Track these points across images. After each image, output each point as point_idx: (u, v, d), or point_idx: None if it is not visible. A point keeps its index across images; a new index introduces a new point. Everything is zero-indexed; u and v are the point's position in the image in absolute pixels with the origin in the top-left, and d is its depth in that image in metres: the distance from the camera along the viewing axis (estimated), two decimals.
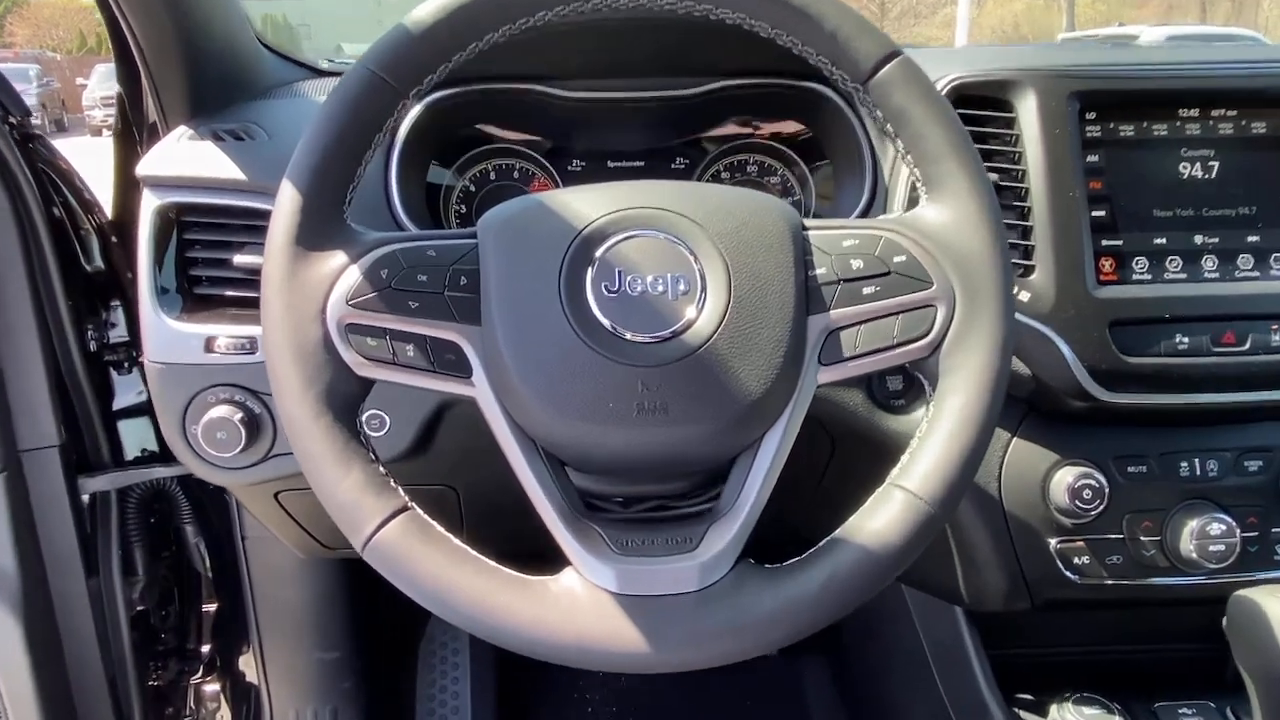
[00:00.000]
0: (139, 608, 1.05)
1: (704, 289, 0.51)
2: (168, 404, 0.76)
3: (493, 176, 0.90)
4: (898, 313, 0.52)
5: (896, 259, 0.53)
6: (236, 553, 1.10)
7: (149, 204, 0.77)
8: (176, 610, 1.16)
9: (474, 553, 0.49)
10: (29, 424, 0.89)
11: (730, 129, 0.90)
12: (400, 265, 0.52)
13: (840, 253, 0.53)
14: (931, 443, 0.52)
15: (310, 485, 0.50)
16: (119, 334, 0.97)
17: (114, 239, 1.01)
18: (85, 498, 0.98)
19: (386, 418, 0.78)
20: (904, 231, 0.54)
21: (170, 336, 0.75)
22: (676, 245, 0.52)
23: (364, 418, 0.55)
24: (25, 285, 0.87)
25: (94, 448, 0.97)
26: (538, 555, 0.53)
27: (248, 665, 1.23)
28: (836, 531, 0.51)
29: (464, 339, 0.51)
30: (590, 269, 0.51)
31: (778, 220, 0.53)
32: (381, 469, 0.50)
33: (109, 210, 1.02)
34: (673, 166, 0.91)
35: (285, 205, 0.51)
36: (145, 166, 0.77)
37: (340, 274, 0.51)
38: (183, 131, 0.82)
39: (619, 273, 0.51)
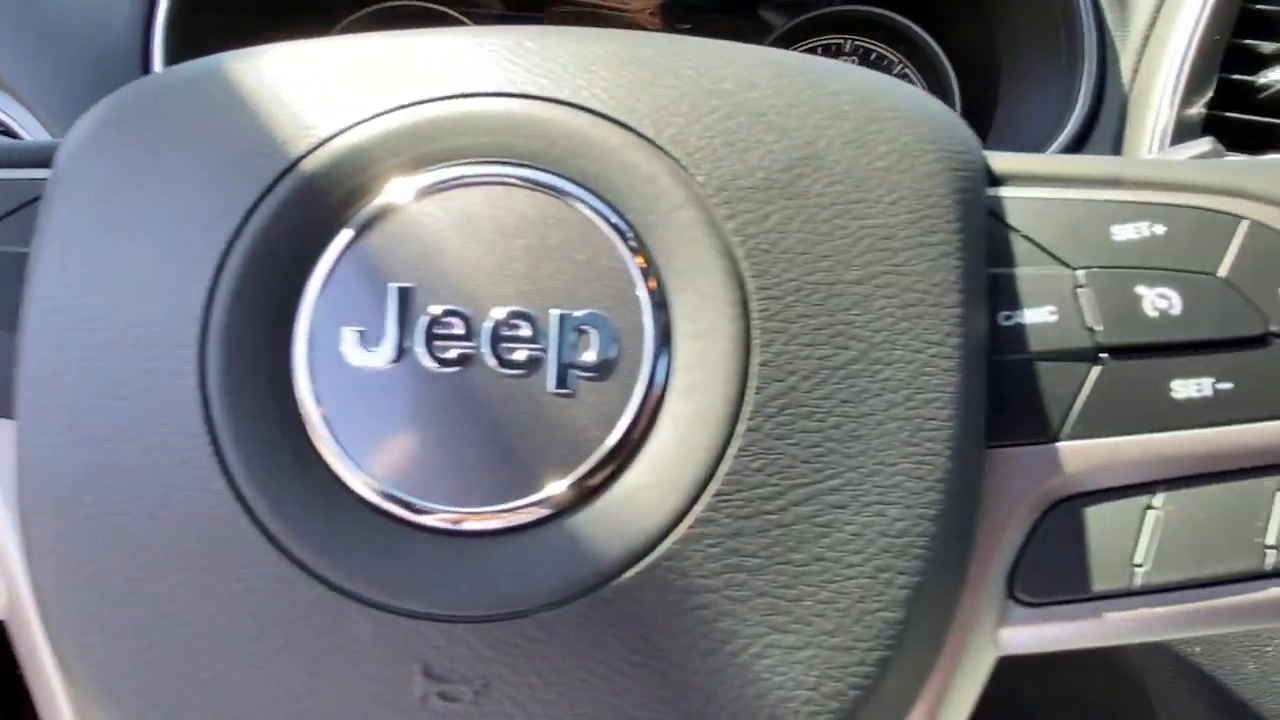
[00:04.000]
0: None
1: (659, 356, 0.19)
2: None
3: None
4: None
5: None
6: None
7: None
8: None
9: None
10: None
11: None
12: None
13: (1112, 261, 0.18)
14: None
15: None
16: None
17: None
18: None
19: None
20: None
21: None
22: (593, 218, 0.19)
23: None
24: None
25: None
26: None
27: None
28: None
29: None
30: (311, 293, 0.20)
31: (920, 153, 0.19)
32: None
33: None
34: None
35: None
36: None
37: None
38: None
39: (406, 300, 0.19)
